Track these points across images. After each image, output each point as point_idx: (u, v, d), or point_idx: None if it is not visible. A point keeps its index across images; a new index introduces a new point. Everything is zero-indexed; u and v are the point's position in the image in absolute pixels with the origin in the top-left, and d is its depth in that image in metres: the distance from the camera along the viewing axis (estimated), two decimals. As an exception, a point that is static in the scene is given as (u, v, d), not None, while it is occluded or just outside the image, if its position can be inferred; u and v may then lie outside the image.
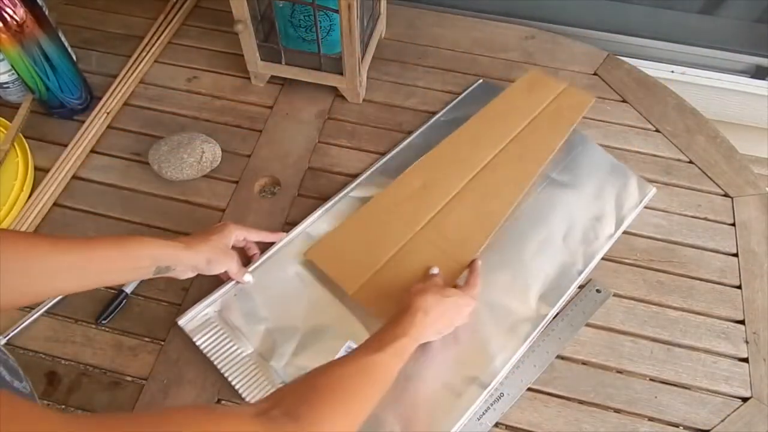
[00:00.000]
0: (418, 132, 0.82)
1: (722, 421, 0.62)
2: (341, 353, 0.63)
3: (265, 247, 0.71)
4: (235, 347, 0.64)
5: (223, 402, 0.62)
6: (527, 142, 0.79)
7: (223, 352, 0.64)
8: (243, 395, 0.61)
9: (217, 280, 0.68)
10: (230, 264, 0.65)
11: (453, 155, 0.76)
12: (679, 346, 0.67)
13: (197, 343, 0.64)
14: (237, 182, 0.78)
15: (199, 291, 0.69)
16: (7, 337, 0.65)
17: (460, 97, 0.87)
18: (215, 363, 0.63)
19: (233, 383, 0.62)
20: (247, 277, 0.68)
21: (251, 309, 0.67)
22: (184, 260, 0.60)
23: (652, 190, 0.77)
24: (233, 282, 0.67)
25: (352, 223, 0.72)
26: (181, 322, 0.65)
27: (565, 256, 0.71)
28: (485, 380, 0.62)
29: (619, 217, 0.74)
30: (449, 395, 0.61)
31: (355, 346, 0.63)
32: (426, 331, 0.57)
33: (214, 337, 0.65)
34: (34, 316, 0.67)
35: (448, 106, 0.85)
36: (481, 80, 0.89)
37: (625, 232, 0.74)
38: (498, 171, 0.76)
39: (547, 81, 0.86)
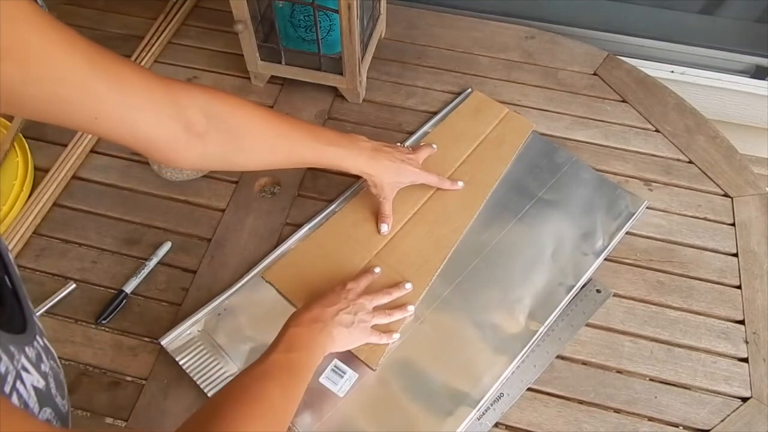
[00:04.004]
0: (416, 135, 0.82)
1: (722, 421, 0.62)
2: (326, 373, 0.63)
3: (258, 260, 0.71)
4: (219, 367, 0.63)
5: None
6: (474, 167, 0.78)
7: (207, 372, 0.63)
8: None
9: (216, 283, 0.68)
10: (386, 205, 0.71)
11: None
12: (679, 346, 0.67)
13: (180, 363, 0.63)
14: (237, 182, 0.78)
15: (199, 291, 0.69)
16: (7, 337, 0.65)
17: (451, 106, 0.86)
18: (199, 383, 0.62)
19: None
20: (384, 228, 0.72)
21: (236, 328, 0.66)
22: (350, 169, 0.66)
23: (644, 203, 0.76)
24: (217, 301, 0.67)
25: (309, 244, 0.72)
26: (164, 342, 0.64)
27: (554, 273, 0.70)
28: (475, 397, 0.62)
29: (609, 233, 0.73)
30: (438, 414, 0.61)
31: (340, 365, 0.63)
32: (309, 313, 0.58)
33: (197, 357, 0.64)
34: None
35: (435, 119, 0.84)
36: (469, 90, 0.87)
37: (625, 233, 0.74)
38: (448, 196, 0.76)
39: (490, 105, 0.85)
